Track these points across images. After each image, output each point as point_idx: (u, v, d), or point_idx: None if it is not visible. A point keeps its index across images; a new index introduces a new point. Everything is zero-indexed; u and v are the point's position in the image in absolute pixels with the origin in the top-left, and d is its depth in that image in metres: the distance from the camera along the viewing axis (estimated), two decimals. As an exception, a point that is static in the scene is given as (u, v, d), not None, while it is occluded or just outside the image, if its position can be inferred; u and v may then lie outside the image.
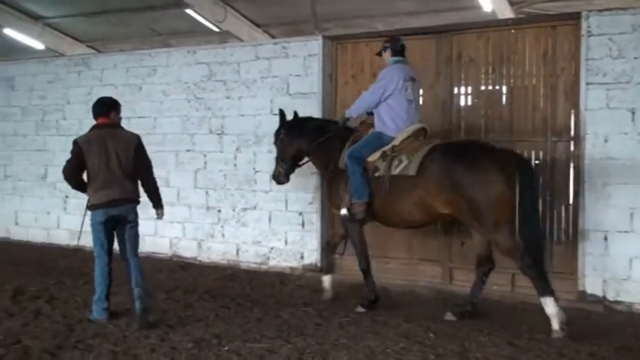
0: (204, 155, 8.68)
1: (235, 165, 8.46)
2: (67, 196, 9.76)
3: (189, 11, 14.90)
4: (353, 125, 6.61)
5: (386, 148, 6.10)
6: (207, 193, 8.68)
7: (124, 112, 8.98)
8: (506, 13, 12.62)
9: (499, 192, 5.42)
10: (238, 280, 7.79)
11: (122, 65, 9.40)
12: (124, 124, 6.25)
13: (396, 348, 5.00)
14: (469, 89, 7.40)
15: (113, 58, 9.65)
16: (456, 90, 7.41)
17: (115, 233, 6.06)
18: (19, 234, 10.29)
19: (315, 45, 7.94)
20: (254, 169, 8.34)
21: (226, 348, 5.11)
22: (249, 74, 8.37)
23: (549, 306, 5.34)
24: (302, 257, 8.06)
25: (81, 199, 8.90)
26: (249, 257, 8.41)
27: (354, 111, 6.43)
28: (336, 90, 7.98)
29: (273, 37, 15.91)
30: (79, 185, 5.99)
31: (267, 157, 8.20)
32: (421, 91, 6.92)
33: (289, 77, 8.11)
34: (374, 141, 6.22)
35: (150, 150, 8.71)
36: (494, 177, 5.45)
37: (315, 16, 13.69)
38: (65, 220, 9.78)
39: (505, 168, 5.47)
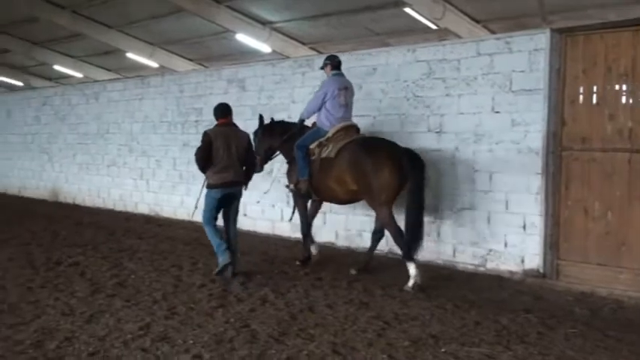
0: (423, 153, 8.62)
1: (453, 164, 8.31)
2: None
3: (407, 10, 14.96)
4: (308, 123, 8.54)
5: (322, 139, 7.97)
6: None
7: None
8: None
9: (386, 178, 7.16)
10: (454, 281, 7.65)
11: (343, 65, 9.61)
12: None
13: (632, 367, 4.59)
14: None
15: (335, 58, 9.95)
16: None
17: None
18: (247, 225, 11.05)
19: (541, 38, 7.52)
20: (473, 168, 8.12)
21: (444, 350, 5.04)
22: (469, 71, 8.17)
23: (410, 268, 7.12)
24: (522, 261, 7.69)
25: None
26: (466, 258, 8.22)
27: (305, 114, 8.43)
28: (563, 86, 7.48)
29: (492, 32, 15.44)
30: (204, 167, 7.54)
31: (486, 156, 7.96)
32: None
33: (512, 73, 7.78)
34: (314, 134, 8.12)
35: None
36: (384, 166, 7.17)
37: (543, 8, 13.03)
38: (288, 212, 10.28)
39: (396, 161, 7.20)
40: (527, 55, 7.64)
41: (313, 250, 8.56)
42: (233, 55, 21.14)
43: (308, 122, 8.63)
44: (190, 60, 23.41)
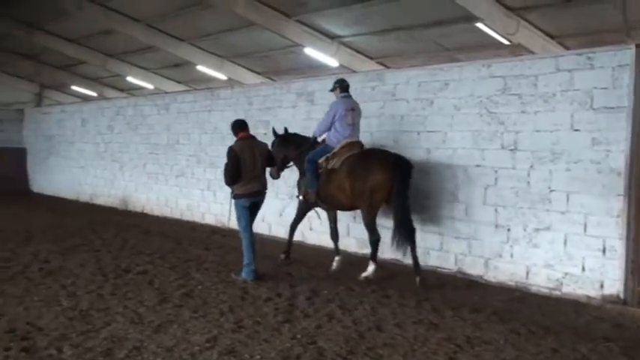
0: (495, 171, 8.37)
1: (528, 182, 8.02)
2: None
3: (479, 25, 14.69)
4: (319, 140, 9.26)
5: (329, 154, 8.79)
6: (496, 210, 8.36)
7: (415, 126, 9.26)
8: None
9: (375, 186, 8.13)
10: (528, 304, 7.35)
11: (414, 80, 9.51)
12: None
13: None
14: None
15: (406, 73, 9.81)
16: None
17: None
18: (312, 239, 10.98)
19: (626, 54, 7.19)
20: (549, 187, 7.81)
21: (520, 378, 4.82)
22: (547, 87, 7.88)
23: (370, 266, 8.36)
24: (601, 286, 7.32)
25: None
26: (540, 281, 7.89)
27: (317, 132, 9.19)
28: (649, 103, 7.15)
29: (567, 48, 14.99)
30: (233, 181, 8.03)
31: (564, 175, 7.65)
32: None
33: (593, 90, 7.45)
34: (323, 150, 8.93)
35: (439, 165, 8.84)
36: (372, 176, 8.14)
37: (627, 23, 12.55)
38: (355, 229, 10.18)
39: (385, 171, 8.11)
40: (611, 72, 7.31)
41: (336, 261, 9.13)
42: (300, 69, 21.23)
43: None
44: (258, 73, 23.64)
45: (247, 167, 7.96)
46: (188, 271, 8.52)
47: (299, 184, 9.48)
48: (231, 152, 7.95)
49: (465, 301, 7.30)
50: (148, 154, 15.47)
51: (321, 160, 8.83)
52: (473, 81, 8.72)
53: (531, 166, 8.00)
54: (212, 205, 13.33)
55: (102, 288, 7.37)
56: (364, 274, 8.33)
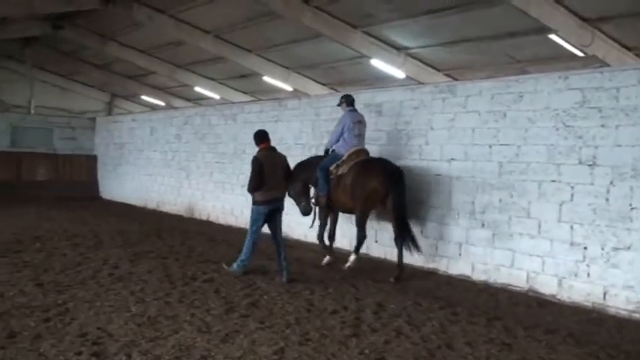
0: (572, 187, 8.05)
1: (607, 199, 7.67)
2: (424, 220, 10.00)
3: (552, 36, 14.29)
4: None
5: (338, 161, 9.84)
6: (572, 227, 8.02)
7: (487, 139, 9.04)
8: None
9: (370, 191, 9.24)
10: (605, 327, 7.01)
11: (487, 92, 9.28)
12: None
13: None
14: None
15: (478, 84, 9.59)
16: None
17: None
18: (378, 252, 10.83)
19: None
20: (630, 205, 7.45)
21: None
22: (629, 100, 7.54)
23: (351, 257, 9.46)
24: (686, 311, 6.94)
25: (438, 223, 9.11)
26: (619, 303, 7.52)
27: (328, 145, 10.30)
28: None
29: (644, 60, 14.44)
30: (256, 189, 8.57)
31: (647, 192, 7.29)
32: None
33: (680, 104, 7.10)
34: (333, 158, 9.99)
35: (511, 179, 8.61)
36: (368, 182, 9.24)
37: None
38: (421, 242, 9.96)
39: (379, 178, 9.20)
40: (699, 84, 6.95)
41: (327, 257, 10.11)
42: (366, 81, 21.11)
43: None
44: (324, 84, 23.65)
45: (269, 176, 8.54)
46: (254, 280, 8.50)
47: (315, 192, 10.37)
48: (256, 162, 8.55)
49: (537, 322, 7.02)
50: (214, 163, 15.64)
51: (332, 168, 9.87)
52: (549, 93, 8.43)
53: (611, 183, 7.65)
54: (276, 215, 13.32)
55: (169, 295, 7.42)
56: (347, 264, 9.47)
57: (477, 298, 8.14)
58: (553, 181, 8.27)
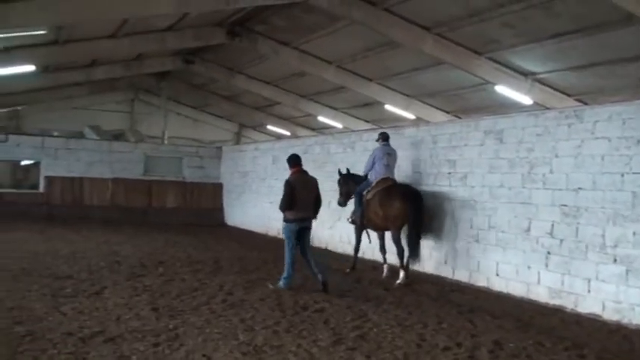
0: None
1: None
2: (549, 252, 9.39)
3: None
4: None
5: (369, 187, 11.62)
6: None
7: (618, 167, 8.38)
8: None
9: (396, 211, 11.00)
10: None
11: (617, 117, 8.62)
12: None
13: None
14: None
15: (607, 109, 8.93)
16: None
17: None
18: (498, 285, 10.29)
19: None
20: None
21: None
22: None
23: (401, 274, 10.82)
24: None
25: (564, 256, 8.53)
26: None
27: (363, 172, 12.08)
28: None
29: None
30: (287, 209, 9.49)
31: None
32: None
33: None
34: (366, 184, 11.82)
35: None
36: (394, 204, 11.03)
37: None
38: (546, 276, 9.40)
39: (403, 200, 10.98)
40: None
41: (384, 269, 11.68)
42: (491, 108, 20.44)
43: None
44: (447, 112, 23.22)
45: (300, 197, 9.47)
46: (365, 312, 8.29)
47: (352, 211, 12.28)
48: (289, 184, 9.53)
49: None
50: (332, 191, 15.61)
51: (364, 192, 11.70)
52: (689, 117, 7.69)
53: None
54: (390, 243, 13.02)
55: (278, 324, 7.36)
56: (398, 282, 10.72)
57: (608, 339, 7.46)
58: (695, 213, 7.49)
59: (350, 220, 12.44)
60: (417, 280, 11.16)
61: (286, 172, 17.79)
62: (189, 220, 21.32)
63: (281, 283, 9.63)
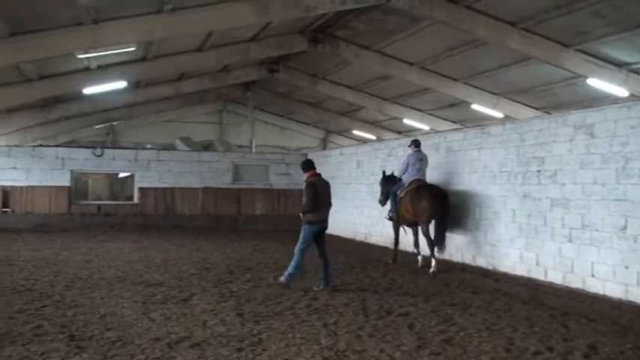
0: None
1: None
2: (647, 251, 8.86)
3: None
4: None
5: (402, 188, 13.09)
6: None
7: None
8: None
9: (424, 207, 12.36)
10: None
11: None
12: None
13: None
14: None
15: None
16: None
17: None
18: (594, 287, 9.80)
19: None
20: None
21: None
22: None
23: (433, 262, 12.05)
24: None
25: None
26: None
27: (398, 174, 13.62)
28: None
29: None
30: (311, 210, 9.69)
31: None
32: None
33: None
34: (400, 185, 13.27)
35: None
36: (424, 200, 12.38)
37: None
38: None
39: (430, 198, 12.37)
40: None
41: (418, 259, 13.01)
42: (583, 102, 19.59)
43: None
44: (536, 109, 22.46)
45: (322, 199, 9.77)
46: (452, 315, 8.07)
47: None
48: (312, 186, 9.72)
49: None
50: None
51: (398, 192, 13.09)
52: None
53: None
54: (483, 246, 12.72)
55: (362, 329, 7.27)
56: (431, 270, 11.89)
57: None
58: None
59: (388, 217, 13.69)
60: (508, 283, 10.80)
61: (372, 177, 18.02)
62: (277, 227, 21.56)
63: (283, 278, 9.94)
